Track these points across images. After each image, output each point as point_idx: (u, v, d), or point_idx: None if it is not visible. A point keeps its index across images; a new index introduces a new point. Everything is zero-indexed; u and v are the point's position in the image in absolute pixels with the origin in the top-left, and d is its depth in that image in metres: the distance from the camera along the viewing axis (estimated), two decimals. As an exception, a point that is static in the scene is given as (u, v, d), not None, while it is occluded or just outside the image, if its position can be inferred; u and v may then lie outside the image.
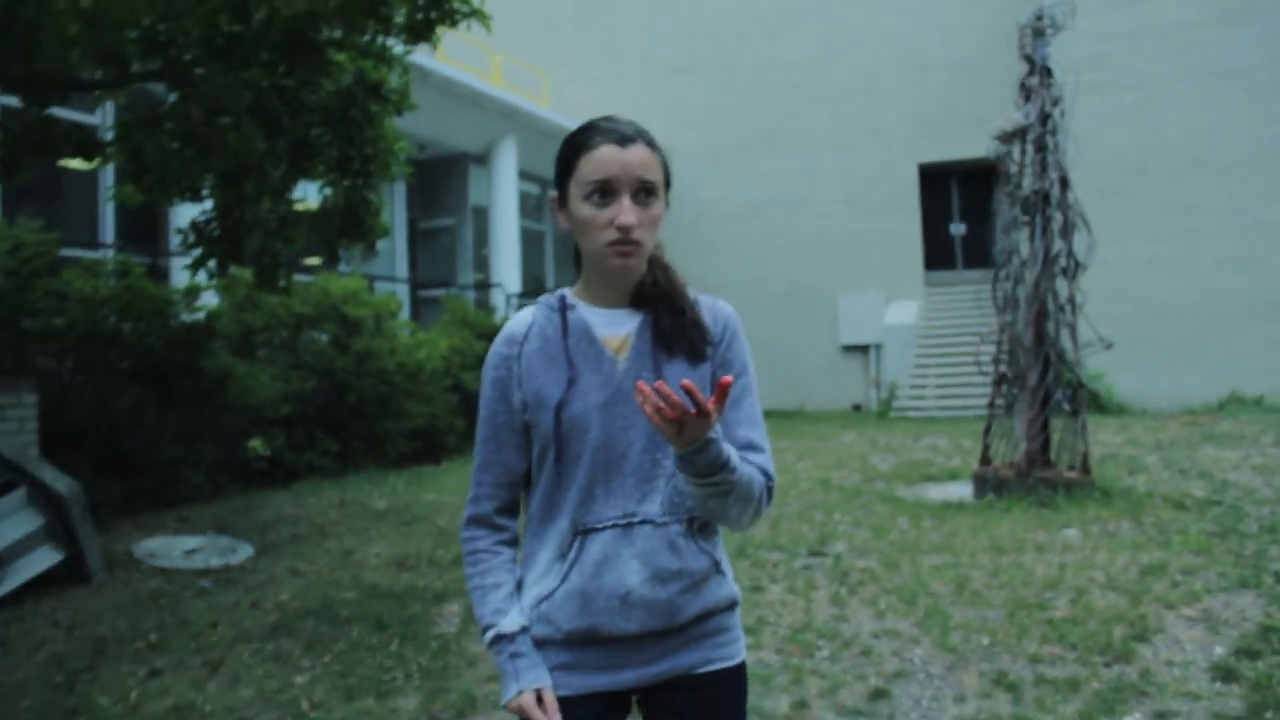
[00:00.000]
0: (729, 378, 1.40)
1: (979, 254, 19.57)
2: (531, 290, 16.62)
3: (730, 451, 1.54)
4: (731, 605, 1.71)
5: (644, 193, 1.60)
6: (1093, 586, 5.17)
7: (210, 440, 8.01)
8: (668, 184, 1.67)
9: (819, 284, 18.75)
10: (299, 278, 8.97)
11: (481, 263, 16.63)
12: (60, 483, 5.19)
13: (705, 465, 1.49)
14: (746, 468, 1.59)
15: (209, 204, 6.95)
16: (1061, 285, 7.66)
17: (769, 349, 16.11)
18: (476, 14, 5.82)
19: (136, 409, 7.63)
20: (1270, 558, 5.65)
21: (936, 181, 19.01)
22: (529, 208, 17.70)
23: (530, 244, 17.69)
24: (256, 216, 7.02)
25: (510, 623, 1.61)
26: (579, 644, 1.61)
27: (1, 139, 5.65)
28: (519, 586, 1.68)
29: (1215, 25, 16.13)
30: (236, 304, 8.72)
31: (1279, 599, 4.87)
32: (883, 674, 4.09)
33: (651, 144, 1.64)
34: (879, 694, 3.88)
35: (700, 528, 1.65)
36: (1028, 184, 7.62)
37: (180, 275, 10.04)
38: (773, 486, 1.66)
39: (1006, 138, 7.75)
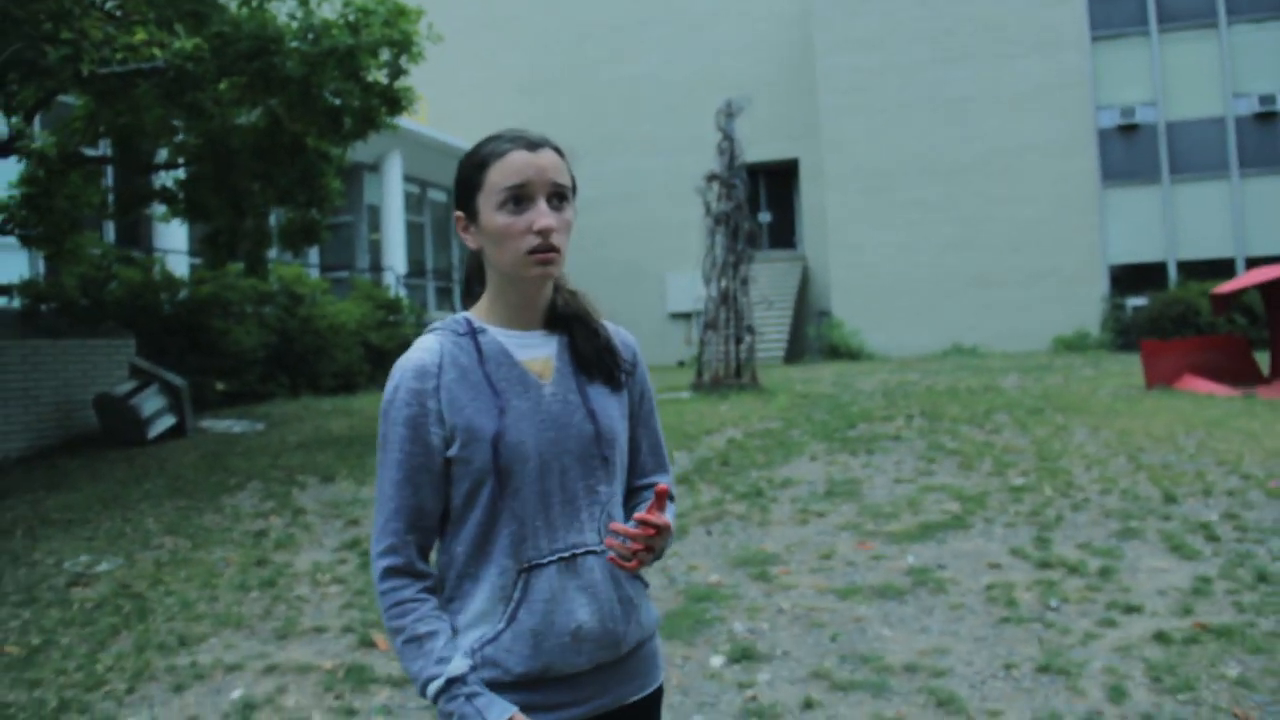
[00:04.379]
0: (665, 485, 1.63)
1: (781, 237, 25.74)
2: (415, 270, 21.92)
3: (671, 520, 1.69)
4: (656, 628, 1.80)
5: (557, 197, 1.66)
6: (707, 421, 10.89)
7: (214, 373, 13.21)
8: (574, 190, 1.71)
9: (649, 263, 24.55)
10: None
11: (374, 249, 21.81)
12: (177, 380, 10.43)
13: (667, 548, 1.69)
14: (671, 513, 1.74)
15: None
16: (743, 269, 13.42)
17: (609, 318, 21.79)
18: (390, 126, 11.16)
19: (170, 352, 12.79)
20: (812, 411, 11.47)
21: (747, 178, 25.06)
22: (412, 205, 22.95)
23: (413, 233, 22.93)
24: (246, 231, 12.26)
25: (458, 666, 1.57)
26: (529, 686, 1.61)
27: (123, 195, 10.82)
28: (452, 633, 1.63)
29: (940, 65, 22.34)
30: (222, 285, 13.86)
31: (792, 424, 10.68)
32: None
33: (558, 150, 1.70)
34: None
35: None
36: (718, 207, 13.36)
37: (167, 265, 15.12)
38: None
39: (708, 179, 13.45)
